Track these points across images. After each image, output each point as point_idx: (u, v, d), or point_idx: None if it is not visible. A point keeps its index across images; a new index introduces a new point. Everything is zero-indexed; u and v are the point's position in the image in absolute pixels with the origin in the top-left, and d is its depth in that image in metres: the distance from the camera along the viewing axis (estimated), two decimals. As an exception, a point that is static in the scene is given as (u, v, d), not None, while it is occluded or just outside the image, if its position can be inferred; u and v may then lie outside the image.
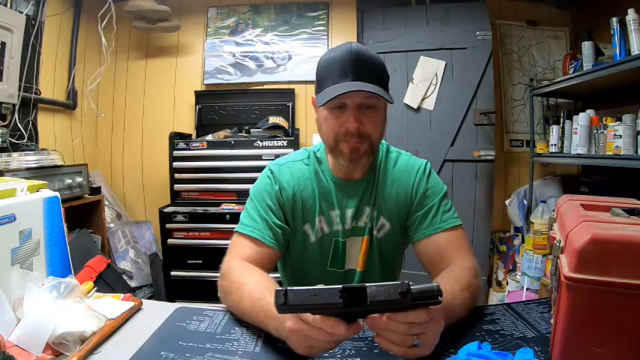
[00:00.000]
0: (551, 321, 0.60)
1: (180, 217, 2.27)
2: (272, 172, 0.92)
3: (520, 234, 2.45)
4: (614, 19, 1.64)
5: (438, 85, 2.44)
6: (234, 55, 2.74)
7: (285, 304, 0.46)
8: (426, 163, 0.94)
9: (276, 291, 0.46)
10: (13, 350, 0.56)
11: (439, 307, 0.52)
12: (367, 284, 0.47)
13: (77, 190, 2.06)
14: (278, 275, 1.03)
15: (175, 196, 2.42)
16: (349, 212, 0.91)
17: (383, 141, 0.97)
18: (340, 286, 0.46)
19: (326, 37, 2.68)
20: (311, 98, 0.90)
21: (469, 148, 2.40)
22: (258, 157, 2.29)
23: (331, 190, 0.91)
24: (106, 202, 2.53)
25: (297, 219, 0.91)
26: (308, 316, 0.51)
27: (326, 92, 0.78)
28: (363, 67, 0.77)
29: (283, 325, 0.55)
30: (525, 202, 2.41)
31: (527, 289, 2.02)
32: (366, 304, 0.46)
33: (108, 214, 2.52)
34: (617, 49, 1.63)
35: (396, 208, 0.91)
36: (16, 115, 2.03)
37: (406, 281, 0.47)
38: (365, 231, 0.92)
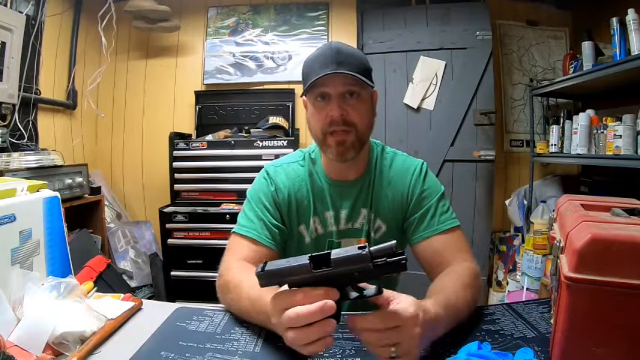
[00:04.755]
0: (551, 321, 0.61)
1: (180, 217, 2.27)
2: (268, 174, 0.93)
3: (520, 234, 2.45)
4: (614, 19, 1.64)
5: (438, 85, 2.44)
6: (234, 55, 2.74)
7: (262, 272, 0.51)
8: (422, 164, 0.93)
9: (258, 265, 0.52)
10: (13, 350, 0.56)
11: (408, 316, 0.51)
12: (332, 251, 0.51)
13: (77, 190, 2.06)
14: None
15: (175, 196, 2.42)
16: (343, 213, 0.91)
17: (378, 141, 0.97)
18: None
19: (326, 37, 2.68)
20: (302, 100, 0.91)
21: (469, 148, 2.40)
22: (258, 157, 2.28)
23: (325, 191, 0.91)
24: (106, 202, 2.53)
25: (293, 220, 0.92)
26: (288, 296, 0.52)
27: (308, 85, 0.80)
28: (344, 59, 0.79)
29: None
30: (525, 202, 2.41)
31: (527, 289, 2.02)
32: (330, 264, 0.49)
33: (108, 214, 2.52)
34: (617, 49, 1.63)
35: (392, 209, 0.91)
36: (16, 115, 2.03)
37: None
38: (362, 233, 0.92)
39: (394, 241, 0.50)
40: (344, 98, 0.81)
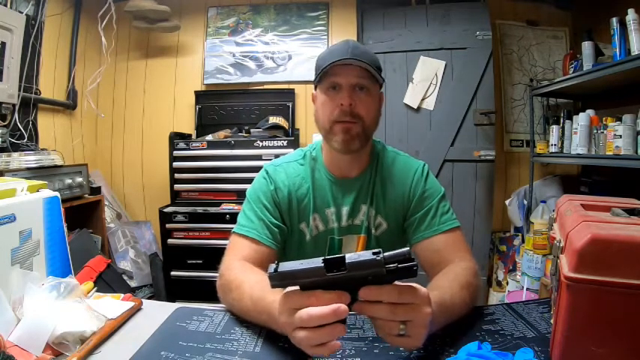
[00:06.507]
0: (551, 321, 0.61)
1: (180, 217, 2.27)
2: (267, 173, 0.93)
3: (520, 234, 2.45)
4: (614, 19, 1.64)
5: (438, 85, 2.44)
6: (234, 55, 2.74)
7: (275, 273, 0.50)
8: (424, 165, 0.95)
9: (269, 266, 0.51)
10: (13, 350, 0.56)
11: (422, 294, 0.52)
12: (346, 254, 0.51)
13: (77, 190, 2.06)
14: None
15: (175, 196, 2.42)
16: (345, 210, 0.91)
17: (380, 140, 0.98)
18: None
19: (326, 37, 2.68)
20: (311, 95, 0.93)
21: (469, 148, 2.40)
22: (258, 157, 2.28)
23: (326, 188, 0.92)
24: (106, 202, 2.53)
25: (293, 218, 0.92)
26: (300, 297, 0.52)
27: (322, 70, 0.83)
28: (359, 52, 0.83)
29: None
30: (525, 202, 2.41)
31: (527, 289, 2.02)
32: (345, 267, 0.49)
33: (108, 214, 2.52)
34: (617, 49, 1.63)
35: (393, 208, 0.91)
36: (16, 115, 2.03)
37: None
38: (362, 229, 0.92)
39: (408, 248, 0.50)
40: (354, 90, 0.83)
